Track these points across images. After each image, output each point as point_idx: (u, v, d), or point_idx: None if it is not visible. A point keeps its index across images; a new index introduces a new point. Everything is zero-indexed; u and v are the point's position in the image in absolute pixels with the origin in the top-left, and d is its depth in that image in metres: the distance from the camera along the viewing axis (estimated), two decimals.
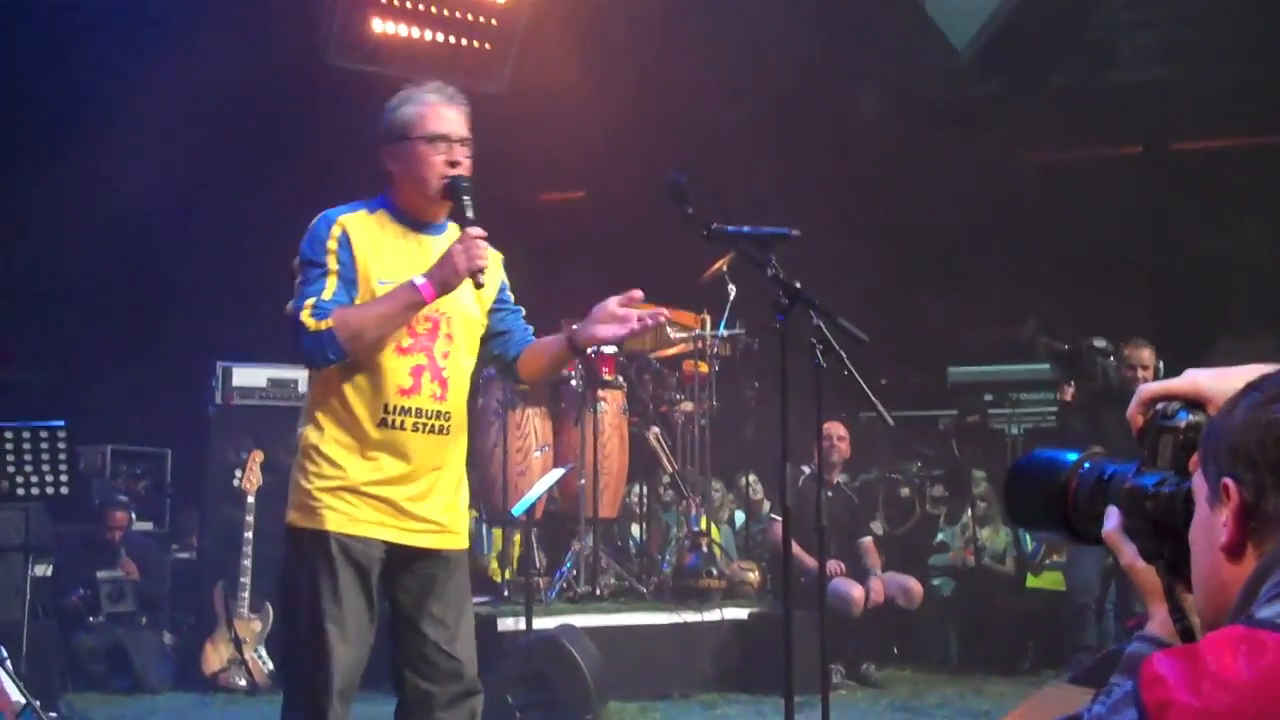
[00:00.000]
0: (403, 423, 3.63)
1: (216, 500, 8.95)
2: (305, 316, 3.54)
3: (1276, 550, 1.38)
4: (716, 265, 8.34)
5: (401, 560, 3.68)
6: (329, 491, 3.61)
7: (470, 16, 10.70)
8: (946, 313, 12.52)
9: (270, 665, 8.29)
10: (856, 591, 8.32)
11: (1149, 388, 1.61)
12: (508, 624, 7.43)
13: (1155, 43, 12.67)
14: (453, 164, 3.69)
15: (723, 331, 8.66)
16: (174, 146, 10.23)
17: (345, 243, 3.62)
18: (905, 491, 10.07)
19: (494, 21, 10.75)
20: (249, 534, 8.29)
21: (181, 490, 10.72)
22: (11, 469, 6.00)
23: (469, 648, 3.74)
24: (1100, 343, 8.14)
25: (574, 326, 3.78)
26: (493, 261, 3.73)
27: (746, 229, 4.41)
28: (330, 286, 3.58)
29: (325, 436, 3.65)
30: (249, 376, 9.03)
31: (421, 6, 10.42)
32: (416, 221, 3.75)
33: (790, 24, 11.86)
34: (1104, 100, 12.37)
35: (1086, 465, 1.61)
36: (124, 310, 10.96)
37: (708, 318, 8.70)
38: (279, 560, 8.51)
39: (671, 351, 8.98)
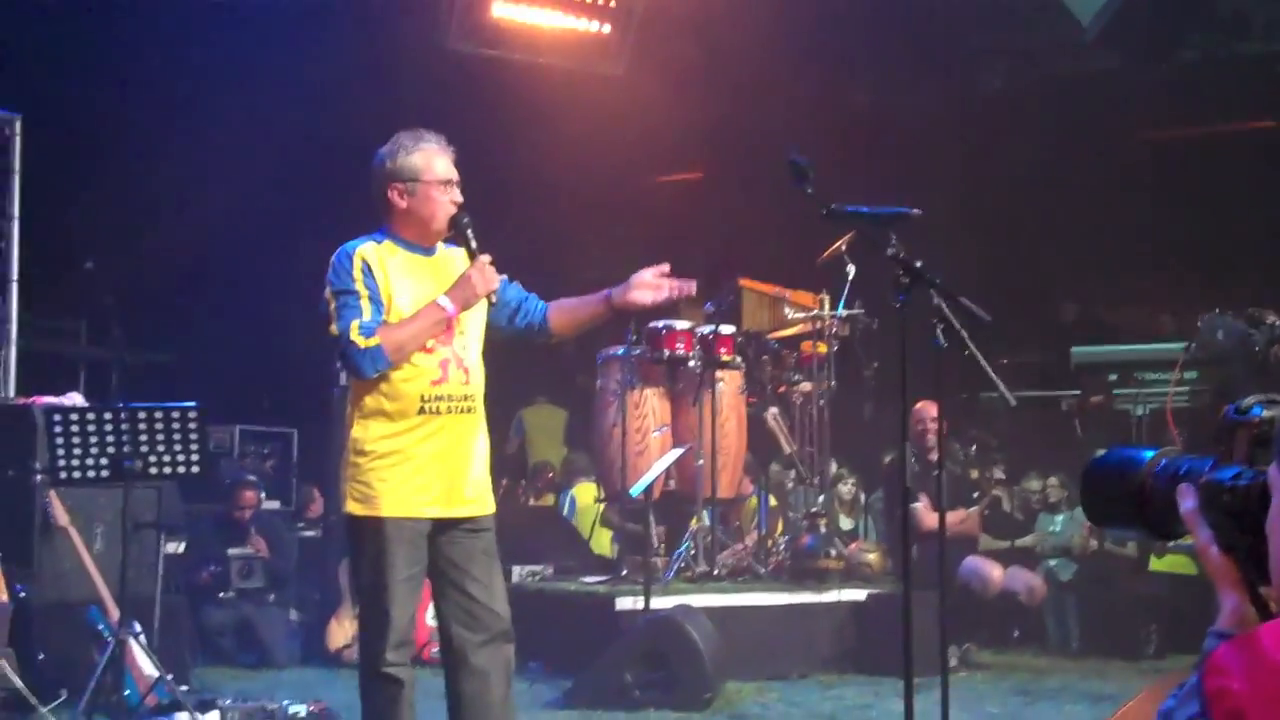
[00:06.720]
0: (438, 408, 4.17)
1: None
2: (355, 335, 4.07)
3: None
4: (836, 245, 8.26)
5: (446, 530, 4.23)
6: (382, 480, 4.13)
7: None
8: (1072, 291, 12.31)
9: None
10: (996, 572, 8.23)
11: None
12: (625, 604, 7.44)
13: None
14: (455, 203, 4.26)
15: (842, 311, 8.59)
16: (294, 133, 10.41)
17: (367, 270, 4.15)
18: (974, 474, 9.86)
19: (612, 4, 10.76)
20: None
21: (308, 468, 10.90)
22: (145, 449, 6.10)
23: (505, 602, 4.30)
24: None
25: (610, 291, 4.35)
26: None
27: (866, 208, 4.38)
28: (366, 309, 4.11)
29: (371, 432, 4.17)
30: None
31: None
32: (419, 248, 4.30)
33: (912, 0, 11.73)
34: (1234, 73, 12.06)
35: (1163, 462, 1.59)
36: (249, 291, 11.17)
37: (826, 298, 8.63)
38: None
39: (790, 332, 8.92)
